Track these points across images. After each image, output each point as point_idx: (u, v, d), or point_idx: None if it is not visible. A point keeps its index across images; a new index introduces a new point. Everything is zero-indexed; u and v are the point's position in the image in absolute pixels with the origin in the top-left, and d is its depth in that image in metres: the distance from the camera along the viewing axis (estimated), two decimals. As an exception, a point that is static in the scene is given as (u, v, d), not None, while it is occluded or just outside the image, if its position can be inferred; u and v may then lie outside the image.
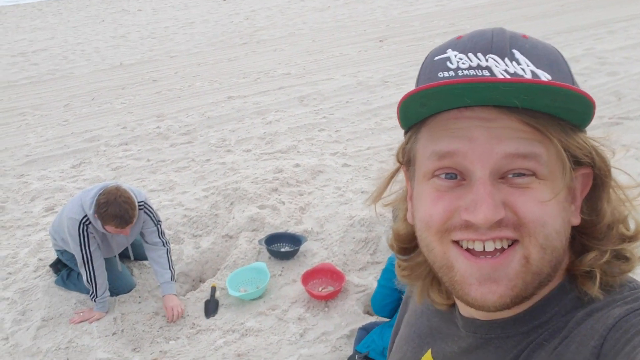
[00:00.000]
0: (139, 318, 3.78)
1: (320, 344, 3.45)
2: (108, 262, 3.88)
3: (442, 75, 0.69)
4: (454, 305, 0.86)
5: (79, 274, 3.97)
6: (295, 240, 4.31)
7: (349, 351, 3.34)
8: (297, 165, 5.59)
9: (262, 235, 4.41)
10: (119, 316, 3.79)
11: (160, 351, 3.51)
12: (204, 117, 7.35)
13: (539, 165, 0.66)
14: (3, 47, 13.45)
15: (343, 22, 13.15)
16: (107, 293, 3.80)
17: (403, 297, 1.06)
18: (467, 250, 0.69)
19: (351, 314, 3.66)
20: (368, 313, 3.75)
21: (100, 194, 3.55)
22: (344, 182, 5.29)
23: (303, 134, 6.54)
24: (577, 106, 0.64)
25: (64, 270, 4.11)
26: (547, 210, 0.66)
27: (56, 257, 4.24)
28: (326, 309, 3.74)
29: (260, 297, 3.88)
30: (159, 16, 16.17)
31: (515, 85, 0.62)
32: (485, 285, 0.68)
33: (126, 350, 3.54)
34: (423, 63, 0.75)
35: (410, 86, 7.72)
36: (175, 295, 3.84)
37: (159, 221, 3.91)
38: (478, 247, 0.68)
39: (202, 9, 17.17)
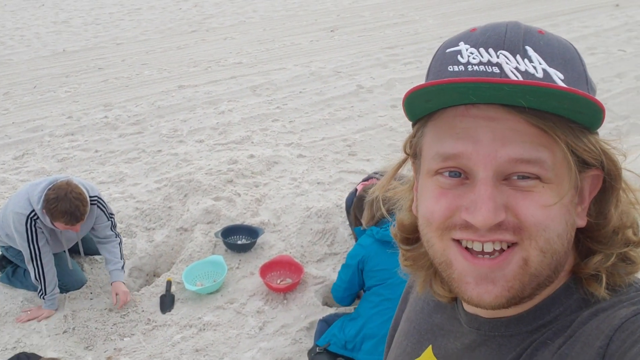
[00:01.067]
0: (91, 315, 3.66)
1: (280, 336, 3.43)
2: (57, 257, 3.73)
3: (451, 70, 0.68)
4: (455, 299, 0.86)
5: (25, 270, 3.81)
6: (252, 233, 4.25)
7: (309, 344, 3.33)
8: (252, 156, 5.52)
9: (218, 227, 4.34)
10: (70, 314, 3.65)
11: (115, 349, 3.41)
12: (153, 107, 7.15)
13: (543, 170, 0.65)
14: None
15: (294, 11, 13.04)
16: (57, 290, 3.66)
17: (402, 292, 1.05)
18: (466, 249, 0.69)
19: (310, 306, 3.65)
20: (327, 304, 3.75)
21: (49, 189, 3.40)
22: (300, 173, 5.26)
23: (257, 125, 6.46)
24: (585, 110, 0.63)
25: (8, 267, 3.94)
26: (550, 214, 0.66)
27: (0, 253, 4.04)
28: (285, 301, 3.71)
29: (217, 291, 3.82)
30: (102, 1, 15.61)
31: (521, 87, 0.60)
32: (481, 285, 0.68)
33: (78, 349, 3.42)
34: (435, 54, 0.74)
35: (363, 77, 7.78)
36: (124, 283, 3.75)
37: (112, 214, 3.80)
38: (477, 247, 0.68)
39: (148, -6, 16.68)
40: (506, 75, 0.64)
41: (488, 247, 0.67)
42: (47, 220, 3.44)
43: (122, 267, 3.79)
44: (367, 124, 6.41)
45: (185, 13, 13.50)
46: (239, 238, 4.26)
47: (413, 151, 0.78)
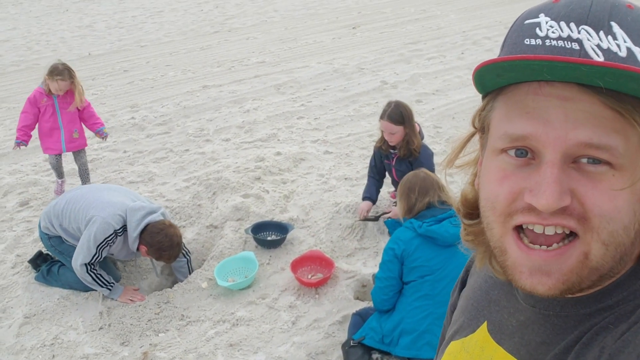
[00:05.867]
0: (126, 311, 3.70)
1: (313, 330, 3.44)
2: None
3: (528, 43, 0.65)
4: None
5: (59, 268, 3.89)
6: (281, 229, 4.27)
7: (342, 337, 3.33)
8: (279, 153, 5.54)
9: (248, 224, 4.37)
10: (105, 310, 3.70)
11: (150, 344, 3.45)
12: (179, 107, 7.22)
13: (613, 157, 0.61)
14: (-37, 38, 12.99)
15: (315, 10, 13.06)
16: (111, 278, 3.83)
17: (460, 275, 1.04)
18: (522, 240, 0.67)
19: (342, 300, 3.65)
20: (358, 299, 3.75)
21: (156, 231, 3.65)
22: (327, 169, 5.27)
23: (282, 122, 6.48)
24: None
25: (43, 266, 4.01)
26: (618, 205, 0.62)
27: (35, 253, 4.12)
28: (317, 296, 3.72)
29: (249, 287, 3.84)
30: (125, 5, 15.80)
31: (599, 68, 0.57)
32: (535, 276, 0.66)
33: (114, 345, 3.47)
34: (513, 24, 0.72)
35: (386, 73, 7.76)
36: None
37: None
38: (538, 229, 0.66)
39: (169, -3, 16.85)
40: (586, 53, 0.61)
41: (549, 231, 0.65)
42: (134, 246, 3.71)
43: None
44: (393, 119, 6.39)
45: (206, 14, 13.60)
46: (269, 234, 4.28)
47: (481, 125, 0.75)
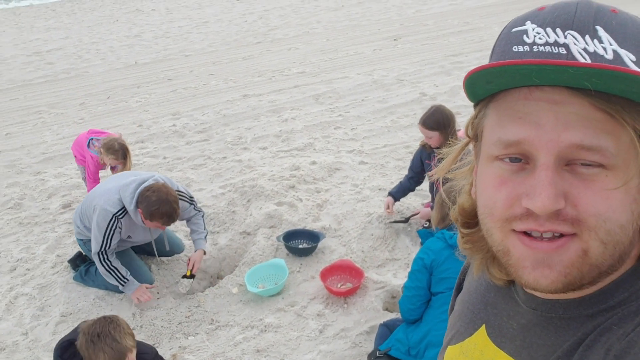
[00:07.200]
0: (158, 314, 3.77)
1: (340, 340, 3.43)
2: (129, 257, 3.93)
3: (516, 50, 0.66)
4: (512, 281, 0.84)
5: (96, 269, 3.98)
6: (313, 237, 4.28)
7: (369, 347, 3.31)
8: (314, 162, 5.57)
9: (280, 232, 4.40)
10: (138, 312, 3.78)
11: (180, 347, 3.50)
12: (219, 115, 7.35)
13: (605, 158, 0.62)
14: (18, 46, 13.56)
15: (357, 21, 13.11)
16: (129, 273, 3.84)
17: (456, 280, 1.04)
18: (525, 233, 0.67)
19: (370, 311, 3.63)
20: (387, 309, 3.73)
21: (147, 190, 3.61)
22: (361, 179, 5.27)
23: (319, 132, 6.51)
24: None
25: (82, 266, 4.13)
26: (612, 204, 0.63)
27: (75, 253, 4.25)
28: (345, 305, 3.71)
29: (278, 294, 3.86)
30: (172, 16, 16.23)
31: (586, 69, 0.58)
32: (538, 269, 0.66)
33: (145, 346, 3.53)
34: (501, 33, 0.73)
35: (426, 85, 7.71)
36: (204, 251, 4.11)
37: (192, 198, 4.05)
38: (535, 234, 0.66)
39: (215, 8, 17.19)
40: (573, 57, 0.62)
41: (546, 234, 0.66)
42: (138, 219, 3.68)
43: (205, 237, 4.14)
44: (430, 131, 6.34)
45: (250, 25, 13.82)
46: (301, 242, 4.30)
47: (474, 133, 0.76)
